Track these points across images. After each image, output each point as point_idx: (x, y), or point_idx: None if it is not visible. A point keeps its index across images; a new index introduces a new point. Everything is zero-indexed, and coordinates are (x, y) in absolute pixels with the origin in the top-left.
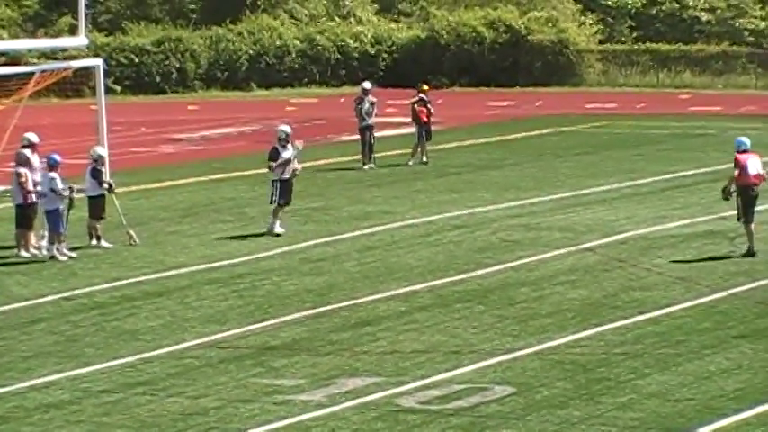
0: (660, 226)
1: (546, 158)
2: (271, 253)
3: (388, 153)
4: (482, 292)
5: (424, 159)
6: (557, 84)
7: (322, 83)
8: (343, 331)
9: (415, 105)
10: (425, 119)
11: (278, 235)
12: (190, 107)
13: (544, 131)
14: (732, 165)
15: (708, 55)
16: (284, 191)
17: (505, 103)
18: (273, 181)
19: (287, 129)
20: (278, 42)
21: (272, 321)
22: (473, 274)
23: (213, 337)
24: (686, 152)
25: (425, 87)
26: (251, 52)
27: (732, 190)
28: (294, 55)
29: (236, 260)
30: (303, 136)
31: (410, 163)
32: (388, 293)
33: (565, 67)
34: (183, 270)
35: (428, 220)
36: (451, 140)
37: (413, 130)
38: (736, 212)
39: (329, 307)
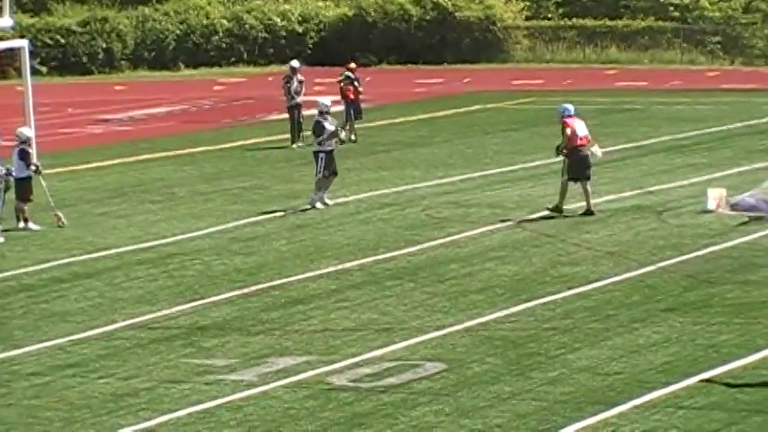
0: None
1: (474, 135)
2: (200, 233)
3: None
4: (412, 270)
5: (353, 137)
6: (484, 60)
7: (250, 62)
8: (274, 310)
9: (342, 83)
10: (352, 97)
11: (326, 205)
12: (117, 87)
13: (472, 108)
14: (562, 128)
15: (634, 30)
16: (329, 162)
17: (433, 81)
18: (316, 153)
19: (327, 101)
20: (205, 21)
21: (203, 301)
22: (403, 251)
23: (143, 318)
24: (613, 127)
25: (353, 65)
26: (178, 32)
27: (563, 146)
28: (221, 34)
29: (165, 240)
30: (231, 115)
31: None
32: (318, 272)
33: (492, 43)
34: (112, 251)
35: (358, 198)
36: (380, 118)
37: (341, 108)
38: (566, 175)
39: (259, 286)
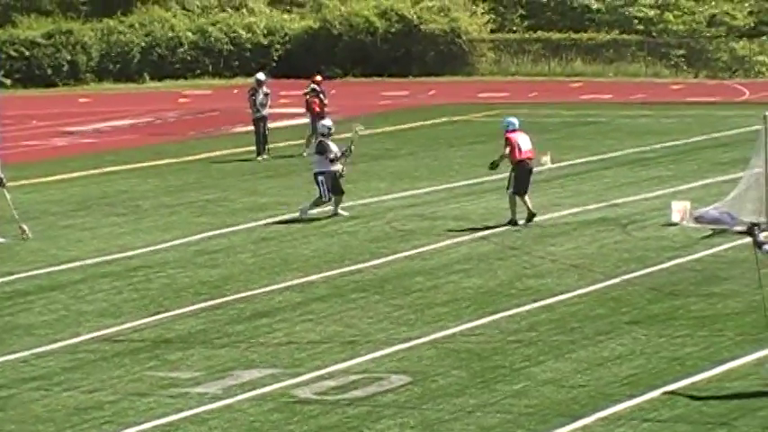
0: (553, 214)
1: (439, 148)
2: (165, 245)
3: (283, 144)
4: (378, 282)
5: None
6: (449, 73)
7: (215, 74)
8: (239, 323)
9: (308, 96)
10: (318, 109)
11: (340, 215)
12: (82, 100)
13: (437, 121)
14: (504, 143)
15: (598, 43)
16: (332, 183)
17: (399, 93)
18: (316, 175)
19: (328, 123)
20: (170, 34)
21: (168, 314)
22: (368, 264)
23: (108, 331)
24: (578, 140)
25: (318, 78)
26: (143, 44)
27: (499, 162)
28: (186, 46)
29: (130, 253)
30: (196, 127)
31: (304, 154)
32: (283, 284)
33: (457, 56)
34: (76, 264)
35: (322, 211)
36: (346, 131)
37: (307, 120)
38: (512, 188)
39: (225, 299)
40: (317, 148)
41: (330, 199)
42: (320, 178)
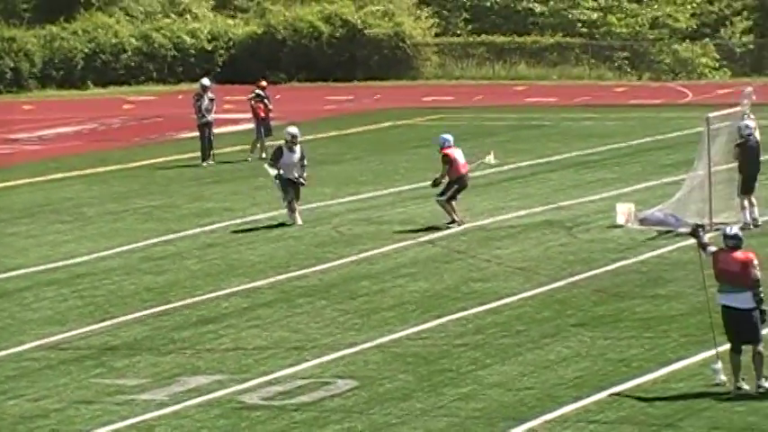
0: (499, 217)
1: (385, 152)
2: (110, 252)
3: (228, 149)
4: (324, 287)
5: (263, 155)
6: (394, 77)
7: (159, 80)
8: (185, 329)
9: (253, 101)
10: (263, 114)
11: (296, 223)
12: (25, 107)
13: (382, 125)
14: (442, 159)
15: (542, 46)
16: (288, 189)
17: (344, 98)
18: (275, 178)
19: (293, 130)
20: (114, 40)
21: (113, 321)
22: (315, 268)
23: (53, 339)
24: (523, 143)
25: (263, 83)
26: (86, 50)
27: (440, 179)
28: (130, 53)
29: (75, 260)
30: (141, 133)
31: (249, 159)
32: (229, 290)
33: (402, 60)
34: (21, 271)
35: (268, 216)
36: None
37: (252, 125)
38: (445, 196)
39: (170, 305)
40: (273, 153)
41: (287, 203)
42: (276, 182)
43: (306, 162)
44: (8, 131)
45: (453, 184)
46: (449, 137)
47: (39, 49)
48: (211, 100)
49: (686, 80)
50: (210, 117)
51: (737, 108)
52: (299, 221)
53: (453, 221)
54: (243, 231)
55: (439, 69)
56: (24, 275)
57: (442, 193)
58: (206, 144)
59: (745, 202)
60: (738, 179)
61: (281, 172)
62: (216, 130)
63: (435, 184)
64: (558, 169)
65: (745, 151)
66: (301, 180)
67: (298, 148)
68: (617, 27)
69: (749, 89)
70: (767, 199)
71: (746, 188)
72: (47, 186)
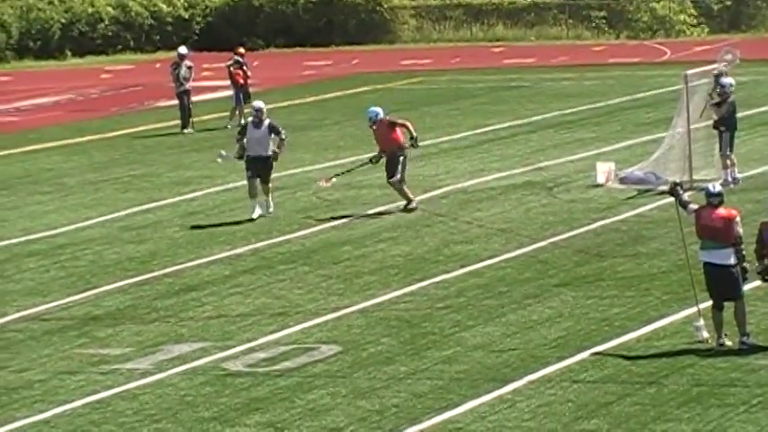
0: (479, 179)
1: (364, 117)
2: (91, 222)
3: (207, 117)
4: (306, 253)
5: (243, 122)
6: (372, 42)
7: (137, 49)
8: (168, 298)
9: (231, 68)
10: (242, 81)
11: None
12: (2, 78)
13: (361, 90)
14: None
15: (519, 7)
16: (252, 166)
17: (322, 63)
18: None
19: (258, 104)
20: (90, 10)
21: (95, 291)
22: (296, 234)
23: (35, 310)
24: (502, 105)
25: (241, 50)
26: (63, 20)
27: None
28: (107, 22)
29: (56, 231)
30: (120, 103)
31: (229, 126)
32: (211, 258)
33: (379, 24)
34: (1, 243)
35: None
36: (269, 102)
37: (230, 92)
38: (399, 176)
39: (152, 274)
40: (239, 129)
41: (249, 177)
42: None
43: (284, 135)
44: None
45: (401, 158)
46: (377, 109)
47: (15, 20)
48: (189, 68)
49: (664, 38)
50: (189, 85)
51: (715, 65)
52: (272, 208)
53: (408, 204)
54: (223, 199)
55: (416, 32)
56: (5, 247)
57: (393, 174)
58: (185, 112)
59: (728, 161)
60: (725, 137)
61: (228, 154)
62: (195, 98)
63: (373, 161)
64: (538, 130)
65: (731, 108)
66: (269, 154)
67: (265, 124)
68: None
69: (737, 52)
70: (745, 156)
71: (732, 145)
72: (26, 157)
